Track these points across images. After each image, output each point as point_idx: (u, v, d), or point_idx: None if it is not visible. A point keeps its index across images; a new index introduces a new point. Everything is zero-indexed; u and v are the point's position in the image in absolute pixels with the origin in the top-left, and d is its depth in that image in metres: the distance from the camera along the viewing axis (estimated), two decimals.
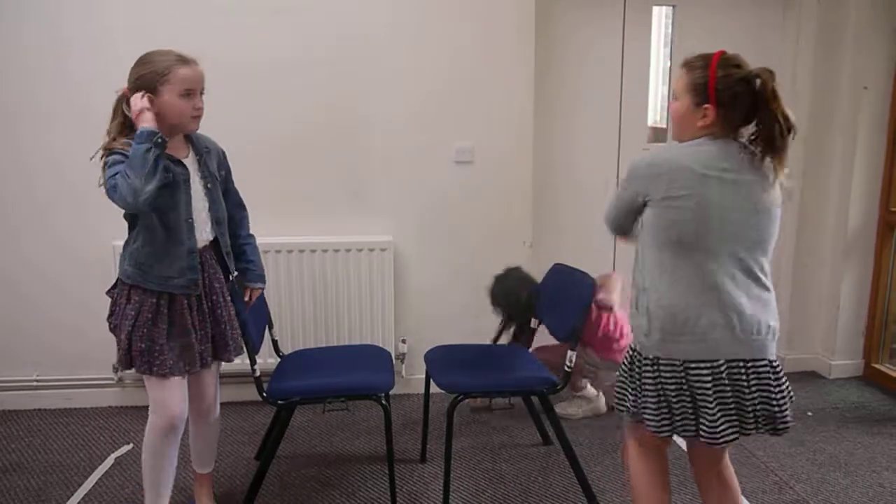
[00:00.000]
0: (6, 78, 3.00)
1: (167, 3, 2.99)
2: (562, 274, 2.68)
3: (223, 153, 2.20)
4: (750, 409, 1.70)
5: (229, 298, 2.18)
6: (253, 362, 2.34)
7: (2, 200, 3.09)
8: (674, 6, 3.53)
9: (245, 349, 2.27)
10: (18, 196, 3.08)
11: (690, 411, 1.73)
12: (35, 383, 3.23)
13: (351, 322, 3.24)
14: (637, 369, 1.82)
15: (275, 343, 2.75)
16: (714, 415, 1.69)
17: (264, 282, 2.37)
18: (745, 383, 1.69)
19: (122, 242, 2.05)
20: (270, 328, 2.73)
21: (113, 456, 2.81)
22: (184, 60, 1.93)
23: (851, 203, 3.49)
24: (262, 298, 2.66)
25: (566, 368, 2.45)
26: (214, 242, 2.13)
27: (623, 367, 1.91)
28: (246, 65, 3.05)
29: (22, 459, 2.79)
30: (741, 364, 1.69)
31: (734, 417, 1.70)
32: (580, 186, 3.59)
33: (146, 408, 2.09)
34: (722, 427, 1.69)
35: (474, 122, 3.23)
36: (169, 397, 2.03)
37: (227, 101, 3.02)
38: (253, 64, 3.06)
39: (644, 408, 1.79)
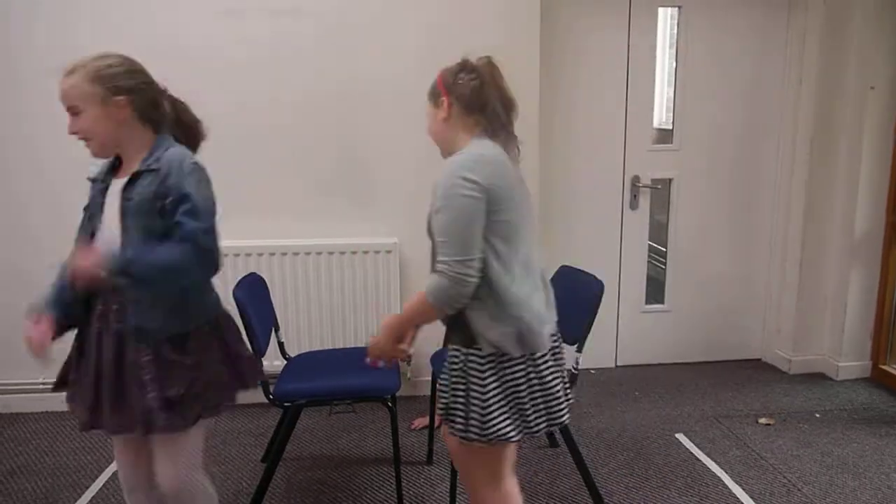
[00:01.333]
0: (22, 77, 3.01)
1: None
2: (568, 276, 2.67)
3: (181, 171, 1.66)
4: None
5: None
6: (259, 364, 2.34)
7: (19, 199, 3.11)
8: (679, 7, 3.53)
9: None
10: (34, 194, 3.09)
11: (541, 402, 1.71)
12: (42, 386, 3.24)
13: (357, 324, 3.24)
14: (475, 370, 1.65)
15: (281, 345, 2.75)
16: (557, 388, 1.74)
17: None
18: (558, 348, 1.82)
19: None
20: (276, 330, 2.73)
21: None
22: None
23: (858, 203, 3.48)
24: (268, 301, 2.67)
25: (573, 371, 2.44)
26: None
27: (451, 380, 1.69)
28: (249, 65, 3.06)
29: (29, 462, 2.80)
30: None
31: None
32: (586, 188, 3.59)
33: None
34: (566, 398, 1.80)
35: None
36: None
37: (232, 103, 3.06)
38: (256, 64, 3.07)
39: (492, 416, 1.64)
